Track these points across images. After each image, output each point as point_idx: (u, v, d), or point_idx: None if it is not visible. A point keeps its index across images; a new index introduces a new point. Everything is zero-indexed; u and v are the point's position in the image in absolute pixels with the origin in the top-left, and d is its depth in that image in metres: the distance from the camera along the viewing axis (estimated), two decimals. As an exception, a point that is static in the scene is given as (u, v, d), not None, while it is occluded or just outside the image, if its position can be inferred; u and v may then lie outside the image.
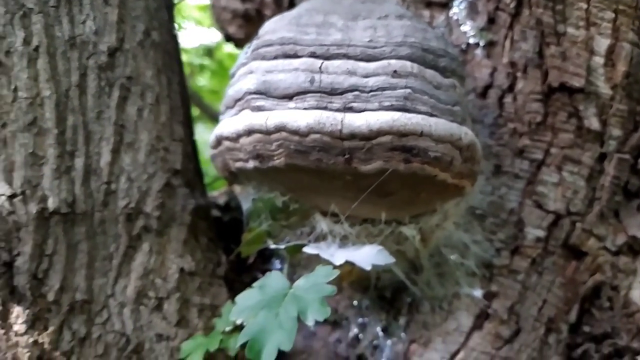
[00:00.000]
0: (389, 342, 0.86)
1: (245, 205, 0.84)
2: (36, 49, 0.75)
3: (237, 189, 1.08)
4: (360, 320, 0.89)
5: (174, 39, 0.91)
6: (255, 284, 0.66)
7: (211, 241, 0.86)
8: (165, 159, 0.80)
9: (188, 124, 0.89)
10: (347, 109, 0.64)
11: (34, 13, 0.75)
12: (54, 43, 0.76)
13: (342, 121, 0.63)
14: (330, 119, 0.63)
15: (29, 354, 0.70)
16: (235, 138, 0.69)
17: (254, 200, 0.80)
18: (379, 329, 0.87)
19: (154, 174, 0.79)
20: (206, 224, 0.86)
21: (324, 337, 0.89)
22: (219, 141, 0.74)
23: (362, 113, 0.64)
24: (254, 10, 1.37)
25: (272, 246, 0.79)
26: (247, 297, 0.65)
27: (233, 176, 0.78)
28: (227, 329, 0.73)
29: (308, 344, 0.89)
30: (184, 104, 0.88)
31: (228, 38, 1.49)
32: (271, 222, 0.82)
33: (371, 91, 0.65)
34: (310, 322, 0.59)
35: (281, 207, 0.78)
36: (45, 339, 0.70)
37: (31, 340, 0.70)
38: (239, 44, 1.48)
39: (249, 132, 0.67)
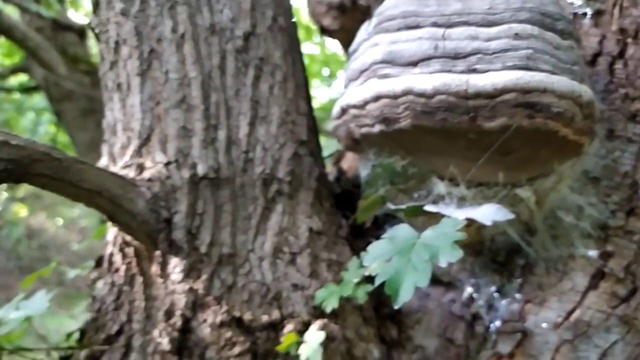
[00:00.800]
0: (503, 302, 0.89)
1: (364, 172, 0.91)
2: (182, 36, 0.86)
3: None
4: (473, 281, 0.93)
5: (294, 24, 0.99)
6: (384, 236, 0.72)
7: (332, 206, 0.94)
8: (293, 130, 0.89)
9: (309, 101, 0.97)
10: (471, 70, 0.69)
11: (179, 4, 0.87)
12: (197, 30, 0.87)
13: (467, 82, 0.68)
14: (455, 80, 0.68)
15: (185, 299, 0.80)
16: (362, 105, 0.76)
17: (374, 166, 0.86)
18: (493, 289, 0.91)
19: (284, 144, 0.87)
20: (327, 191, 0.94)
21: (438, 298, 0.94)
22: (344, 110, 0.81)
23: (486, 73, 0.68)
24: (349, 1, 1.44)
25: (392, 207, 0.84)
26: (378, 247, 0.71)
27: (355, 143, 0.84)
28: (356, 280, 0.80)
29: (422, 304, 0.94)
30: (305, 82, 0.96)
31: (323, 30, 1.58)
32: (388, 188, 0.88)
33: (494, 53, 0.69)
34: (443, 264, 0.64)
35: (400, 171, 0.84)
36: (199, 285, 0.80)
37: (187, 287, 0.80)
38: (334, 35, 1.55)
39: (377, 98, 0.74)
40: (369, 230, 0.98)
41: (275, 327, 0.79)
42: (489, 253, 0.91)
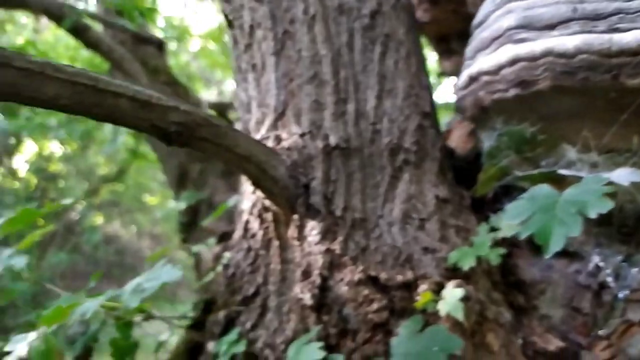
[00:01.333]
0: (632, 270, 0.88)
1: (487, 143, 0.93)
2: (313, 17, 0.92)
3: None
4: (599, 251, 0.92)
5: (411, 3, 1.04)
6: (523, 196, 0.74)
7: (453, 178, 0.97)
8: (417, 103, 0.93)
9: (427, 76, 1.01)
10: (613, 30, 0.71)
11: (309, -12, 0.93)
12: (327, 11, 0.93)
13: (610, 40, 0.70)
14: (598, 39, 0.70)
15: (322, 259, 0.85)
16: (496, 70, 0.79)
17: (499, 135, 0.89)
18: (620, 258, 0.90)
19: (410, 115, 0.91)
20: (449, 162, 0.97)
21: (562, 269, 0.94)
22: (473, 79, 0.84)
23: (629, 32, 0.70)
24: (442, -7, 1.47)
25: (519, 174, 0.86)
26: (517, 206, 0.73)
27: (482, 112, 0.87)
28: (488, 243, 0.82)
29: (546, 275, 0.94)
30: (424, 58, 1.00)
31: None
32: (512, 157, 0.90)
33: (636, 12, 0.70)
34: (592, 215, 0.65)
35: (529, 137, 0.86)
36: (335, 246, 0.85)
37: (324, 248, 0.85)
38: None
39: (513, 61, 0.77)
40: (487, 204, 1.00)
41: (409, 287, 0.82)
42: (617, 222, 0.91)
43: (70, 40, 7.54)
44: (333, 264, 0.85)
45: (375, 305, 0.81)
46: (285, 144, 0.89)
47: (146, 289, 1.01)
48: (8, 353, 1.03)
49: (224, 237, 1.21)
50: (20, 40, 6.23)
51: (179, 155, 4.24)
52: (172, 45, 5.50)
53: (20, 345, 0.88)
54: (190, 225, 3.91)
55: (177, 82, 4.63)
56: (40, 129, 6.75)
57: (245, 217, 0.98)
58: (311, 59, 0.91)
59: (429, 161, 0.91)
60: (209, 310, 1.15)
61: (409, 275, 0.83)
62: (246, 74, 0.98)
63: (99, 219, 7.81)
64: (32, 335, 0.88)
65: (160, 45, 4.90)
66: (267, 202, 0.90)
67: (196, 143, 0.77)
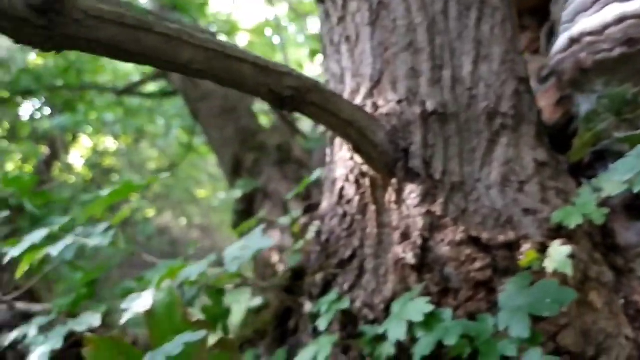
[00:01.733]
0: None
1: (584, 108, 0.93)
2: (407, -13, 0.94)
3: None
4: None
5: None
6: (630, 154, 0.74)
7: (549, 142, 0.97)
8: (513, 68, 0.94)
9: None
10: None
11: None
12: (420, -19, 0.95)
13: None
14: None
15: (422, 221, 0.88)
16: (601, 30, 0.79)
17: (599, 97, 0.89)
18: None
19: (506, 80, 0.93)
20: (544, 127, 0.97)
21: (661, 233, 0.93)
22: (574, 41, 0.84)
23: None
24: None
25: (619, 135, 0.86)
26: (625, 163, 0.74)
27: (583, 74, 0.87)
28: (593, 203, 0.83)
29: (643, 239, 0.94)
30: (517, 25, 1.01)
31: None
32: (610, 120, 0.90)
33: None
34: None
35: (630, 99, 0.85)
36: (436, 208, 0.87)
37: (424, 210, 0.88)
38: None
39: (620, 20, 0.77)
40: (582, 170, 1.00)
41: (511, 247, 0.84)
42: None
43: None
44: (433, 226, 0.87)
45: (478, 264, 0.83)
46: (382, 110, 0.92)
47: (244, 255, 1.06)
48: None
49: (310, 209, 1.26)
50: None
51: (234, 146, 4.35)
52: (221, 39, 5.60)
53: (137, 302, 0.95)
54: (244, 213, 4.01)
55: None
56: (96, 125, 7.04)
57: (339, 184, 1.01)
58: (406, 27, 0.94)
59: (526, 125, 0.92)
60: (298, 277, 1.20)
61: (511, 235, 0.84)
62: (339, 46, 1.02)
63: (151, 212, 8.10)
64: (148, 294, 0.95)
65: (213, 36, 5.01)
66: (365, 168, 0.93)
67: (305, 107, 0.81)
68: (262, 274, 2.47)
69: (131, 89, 4.90)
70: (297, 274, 1.22)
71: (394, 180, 0.90)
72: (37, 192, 2.02)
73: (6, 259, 1.29)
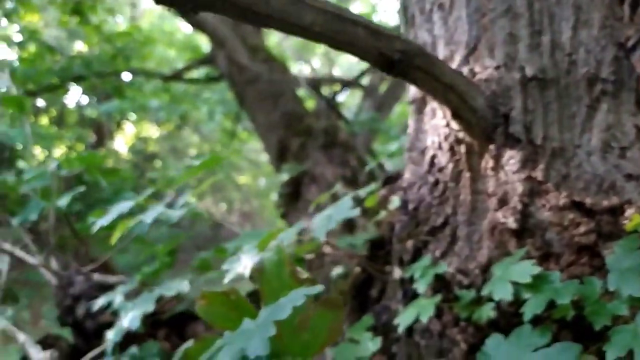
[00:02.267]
0: None
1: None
2: (503, -46, 0.94)
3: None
4: None
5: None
6: None
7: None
8: (612, 34, 0.92)
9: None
10: None
11: None
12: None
13: None
14: None
15: (522, 187, 0.88)
16: None
17: None
18: None
19: (606, 46, 0.91)
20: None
21: None
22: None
23: None
24: None
25: None
26: None
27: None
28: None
29: None
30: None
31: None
32: None
33: None
34: None
35: None
36: (537, 174, 0.87)
37: (524, 176, 0.88)
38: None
39: None
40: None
41: (615, 212, 0.84)
42: None
43: (164, 26, 7.93)
44: (534, 191, 0.88)
45: (582, 229, 0.83)
46: (480, 76, 0.93)
47: (330, 224, 1.09)
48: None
49: (389, 181, 1.27)
50: (121, 27, 6.66)
51: (279, 130, 4.41)
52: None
53: (238, 264, 0.99)
54: (291, 196, 4.06)
55: (275, 58, 4.78)
56: (142, 111, 7.21)
57: (430, 153, 1.02)
58: (507, -8, 0.93)
59: (626, 92, 0.91)
60: (377, 247, 1.22)
61: (615, 200, 0.84)
62: (430, 15, 1.02)
63: (193, 196, 8.27)
64: (248, 257, 0.99)
65: (257, 24, 5.05)
66: (461, 135, 0.94)
67: (411, 71, 0.82)
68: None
69: (178, 75, 5.00)
70: (376, 244, 1.24)
71: (492, 146, 0.91)
72: (107, 170, 2.10)
73: (95, 229, 1.36)
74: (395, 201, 1.14)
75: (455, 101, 0.88)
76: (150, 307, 1.20)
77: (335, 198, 1.49)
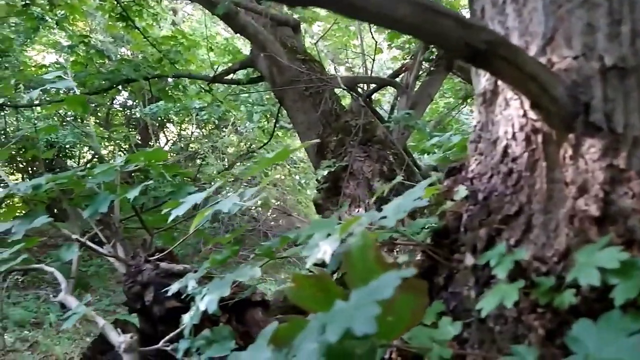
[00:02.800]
0: None
1: None
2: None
3: None
4: None
5: None
6: None
7: None
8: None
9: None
10: None
11: None
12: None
13: None
14: None
15: (603, 175, 0.86)
16: None
17: None
18: None
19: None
20: None
21: None
22: None
23: None
24: None
25: None
26: None
27: None
28: None
29: None
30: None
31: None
32: None
33: None
34: None
35: None
36: (619, 162, 0.85)
37: (605, 164, 0.86)
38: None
39: None
40: None
41: (702, 200, 0.81)
42: None
43: (205, 31, 8.02)
44: (615, 179, 0.85)
45: (667, 216, 0.81)
46: (559, 66, 0.91)
47: (399, 213, 1.08)
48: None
49: (452, 172, 1.26)
50: (163, 32, 6.79)
51: (318, 128, 4.42)
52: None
53: (317, 250, 1.00)
54: (329, 192, 4.07)
55: (313, 59, 4.80)
56: (183, 112, 7.33)
57: (503, 143, 1.01)
58: (582, -16, 0.91)
59: None
60: (443, 236, 1.21)
61: (700, 187, 0.81)
62: (503, 7, 1.00)
63: (231, 192, 8.37)
64: (327, 243, 1.00)
65: (295, 26, 5.08)
66: (538, 124, 0.92)
67: (495, 61, 0.81)
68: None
69: (220, 77, 5.05)
70: (439, 233, 1.23)
71: (571, 135, 0.89)
72: (168, 165, 2.14)
73: (171, 218, 1.39)
74: (461, 191, 1.13)
75: (535, 91, 0.86)
76: (226, 292, 1.21)
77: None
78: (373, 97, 5.41)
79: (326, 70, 4.79)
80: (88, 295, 1.50)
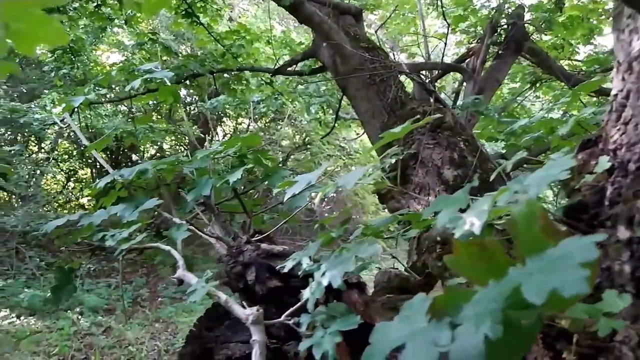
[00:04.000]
0: None
1: None
2: None
3: None
4: None
5: None
6: None
7: None
8: None
9: None
10: None
11: None
12: None
13: None
14: None
15: None
16: None
17: None
18: None
19: None
20: None
21: None
22: None
23: None
24: None
25: None
26: None
27: None
28: None
29: None
30: None
31: None
32: None
33: None
34: None
35: None
36: None
37: None
38: None
39: None
40: None
41: None
42: None
43: (261, 25, 8.12)
44: None
45: None
46: None
47: (543, 184, 1.04)
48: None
49: (587, 145, 1.20)
50: (221, 28, 6.91)
51: (382, 117, 4.38)
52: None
53: (463, 222, 0.98)
54: (396, 179, 4.02)
55: (376, 47, 4.75)
56: (243, 105, 7.45)
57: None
58: None
59: None
60: (581, 211, 1.16)
61: None
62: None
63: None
64: (474, 214, 0.97)
65: (357, 14, 5.05)
66: None
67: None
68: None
69: (283, 69, 5.09)
70: (575, 209, 1.18)
71: None
72: (259, 151, 2.18)
73: (286, 197, 1.41)
74: (602, 163, 1.07)
75: None
76: (350, 267, 1.21)
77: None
78: (436, 83, 5.30)
79: (390, 57, 4.73)
80: (208, 271, 1.55)
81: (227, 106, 7.45)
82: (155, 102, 8.80)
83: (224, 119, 9.61)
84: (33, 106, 7.52)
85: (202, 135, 7.51)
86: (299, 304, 1.41)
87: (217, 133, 8.62)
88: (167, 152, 9.19)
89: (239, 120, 9.57)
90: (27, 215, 6.78)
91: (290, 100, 6.63)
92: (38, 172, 8.25)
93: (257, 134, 2.23)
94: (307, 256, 1.45)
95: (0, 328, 5.75)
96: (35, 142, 9.07)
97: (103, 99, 5.43)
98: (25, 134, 8.27)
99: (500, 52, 4.59)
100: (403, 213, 1.36)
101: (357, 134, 7.67)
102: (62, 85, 6.26)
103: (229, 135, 9.10)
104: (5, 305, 6.36)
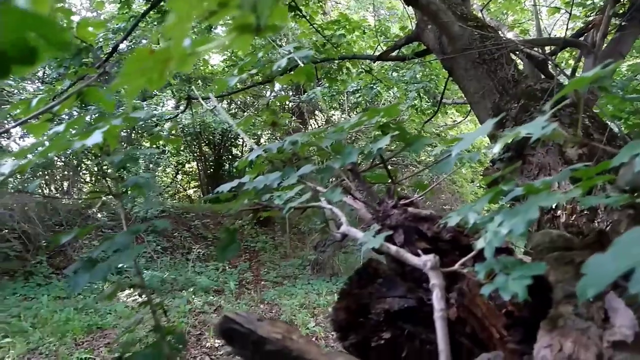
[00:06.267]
0: None
1: None
2: None
3: None
4: None
5: None
6: None
7: None
8: None
9: None
10: None
11: None
12: None
13: None
14: None
15: None
16: None
17: None
18: None
19: None
20: None
21: None
22: None
23: None
24: None
25: None
26: None
27: None
28: None
29: None
30: None
31: None
32: None
33: None
34: None
35: None
36: None
37: None
38: None
39: None
40: None
41: None
42: None
43: (354, 17, 8.13)
44: None
45: None
46: None
47: None
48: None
49: None
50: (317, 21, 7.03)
51: (493, 97, 4.22)
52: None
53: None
54: (513, 160, 3.87)
55: (485, 24, 4.60)
56: (337, 95, 7.50)
57: None
58: None
59: None
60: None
61: None
62: None
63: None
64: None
65: (461, -7, 4.90)
66: None
67: None
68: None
69: (385, 55, 5.09)
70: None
71: None
72: (398, 122, 2.19)
73: (454, 153, 1.41)
74: None
75: None
76: (535, 214, 1.20)
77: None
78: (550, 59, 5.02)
79: (500, 34, 4.56)
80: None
81: (324, 98, 7.58)
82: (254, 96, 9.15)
83: (315, 112, 9.79)
84: (145, 105, 8.16)
85: (300, 127, 7.72)
86: (471, 253, 1.42)
87: (310, 125, 8.82)
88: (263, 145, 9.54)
89: (331, 113, 9.70)
90: (147, 203, 7.38)
91: (387, 87, 6.61)
92: (151, 165, 8.94)
93: (395, 105, 2.24)
94: (474, 211, 1.45)
95: (126, 304, 6.31)
96: (148, 138, 9.83)
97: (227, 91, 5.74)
98: (139, 130, 8.97)
99: (623, 23, 4.24)
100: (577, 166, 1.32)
101: (454, 121, 7.47)
102: (176, 84, 6.73)
103: (322, 127, 9.27)
104: (128, 285, 6.99)
